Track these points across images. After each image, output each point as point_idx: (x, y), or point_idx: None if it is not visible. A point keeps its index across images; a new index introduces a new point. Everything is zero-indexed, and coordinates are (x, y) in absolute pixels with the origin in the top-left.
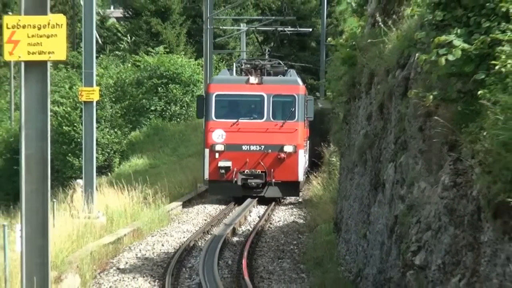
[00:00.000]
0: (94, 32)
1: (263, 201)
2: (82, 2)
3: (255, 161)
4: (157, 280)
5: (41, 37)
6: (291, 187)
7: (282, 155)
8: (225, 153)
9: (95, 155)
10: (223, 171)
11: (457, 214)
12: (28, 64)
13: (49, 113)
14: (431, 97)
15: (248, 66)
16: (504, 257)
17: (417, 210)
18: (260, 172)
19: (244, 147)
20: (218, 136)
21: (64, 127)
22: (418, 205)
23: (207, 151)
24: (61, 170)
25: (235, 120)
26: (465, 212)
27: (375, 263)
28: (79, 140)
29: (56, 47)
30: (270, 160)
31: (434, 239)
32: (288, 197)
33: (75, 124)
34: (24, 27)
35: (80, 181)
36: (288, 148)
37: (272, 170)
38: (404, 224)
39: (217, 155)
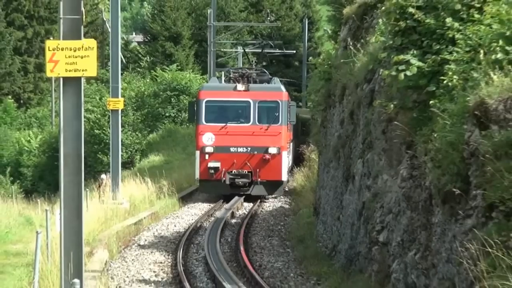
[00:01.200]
0: (119, 53)
1: (249, 199)
2: (109, 29)
3: (242, 162)
4: (170, 254)
5: (76, 58)
6: (276, 186)
7: (267, 156)
8: (214, 155)
9: (120, 153)
10: (212, 171)
11: (413, 200)
12: (66, 79)
13: (82, 119)
14: (392, 105)
15: (236, 74)
16: (451, 235)
17: (380, 198)
18: (246, 172)
19: (232, 149)
20: (208, 139)
21: (95, 131)
22: (382, 193)
23: (197, 152)
24: (93, 165)
25: (223, 124)
26: (420, 199)
27: (347, 240)
28: (107, 141)
29: (88, 66)
30: (256, 161)
31: (394, 221)
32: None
33: (104, 128)
34: (62, 49)
35: (104, 176)
36: (273, 150)
37: (257, 170)
38: (370, 209)
39: (207, 156)
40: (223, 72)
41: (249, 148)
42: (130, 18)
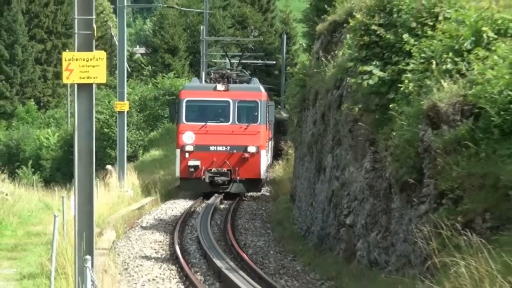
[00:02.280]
0: (125, 63)
1: (228, 196)
2: (117, 43)
3: (221, 160)
4: (168, 234)
5: (88, 67)
6: (254, 183)
7: (246, 155)
8: (194, 153)
9: (125, 148)
10: (192, 169)
11: (375, 189)
12: (80, 86)
13: (94, 120)
14: (357, 108)
15: (216, 75)
16: (407, 219)
17: (347, 187)
18: (226, 170)
19: (211, 148)
20: (188, 138)
21: (104, 129)
22: (348, 183)
23: (178, 151)
24: (102, 159)
25: (203, 123)
26: (381, 187)
27: (319, 223)
28: (114, 138)
29: (98, 74)
30: (235, 159)
31: (359, 206)
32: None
33: (112, 127)
34: (76, 60)
35: (109, 166)
36: (252, 149)
37: (237, 168)
38: (338, 196)
39: (187, 155)
40: (203, 73)
41: (228, 147)
42: (134, 33)
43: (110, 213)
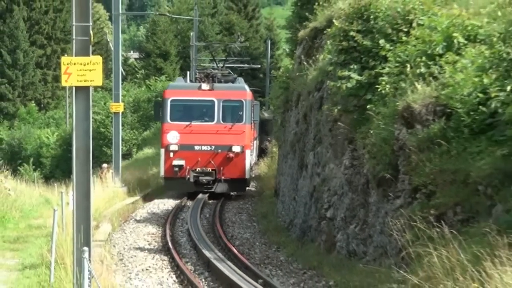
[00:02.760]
0: (120, 67)
1: (213, 196)
2: (112, 48)
3: (206, 160)
4: (160, 227)
5: (86, 71)
6: (239, 183)
7: (231, 154)
8: (179, 153)
9: (120, 147)
10: (177, 169)
11: (353, 184)
12: (77, 88)
13: (91, 120)
14: (336, 109)
15: (201, 74)
16: (383, 212)
17: (328, 182)
18: (210, 170)
19: (196, 147)
20: (172, 137)
21: (100, 129)
22: (329, 179)
23: (162, 150)
24: (99, 156)
25: (188, 123)
26: (359, 183)
27: (301, 216)
28: (110, 137)
29: (95, 77)
30: (220, 159)
31: (339, 201)
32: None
33: (108, 127)
34: (74, 64)
35: (105, 165)
36: (236, 148)
37: (221, 168)
38: (319, 191)
39: (171, 154)
40: (188, 72)
41: (213, 147)
42: (128, 39)
43: (106, 207)
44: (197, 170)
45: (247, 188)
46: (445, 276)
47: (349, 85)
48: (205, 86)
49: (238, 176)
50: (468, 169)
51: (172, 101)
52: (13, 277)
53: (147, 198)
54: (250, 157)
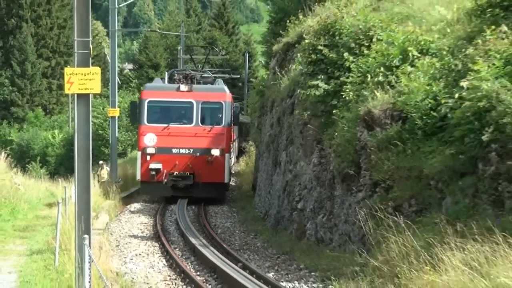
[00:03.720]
0: (116, 77)
1: (192, 201)
2: (109, 60)
3: (184, 163)
4: (152, 217)
5: (86, 80)
6: (218, 188)
7: (210, 158)
8: (156, 156)
9: (116, 147)
10: (153, 172)
11: (321, 179)
12: (79, 95)
13: (90, 123)
14: (306, 114)
15: (180, 76)
16: (347, 204)
17: (298, 178)
18: (188, 174)
19: (174, 150)
20: (149, 140)
21: (99, 131)
22: (299, 175)
23: (139, 153)
24: (97, 155)
25: (166, 125)
26: (326, 178)
27: (275, 207)
28: (107, 138)
29: (94, 86)
30: (198, 162)
31: (308, 194)
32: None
33: (105, 130)
34: (76, 74)
35: (102, 162)
36: (215, 152)
37: (200, 172)
38: (291, 186)
39: (148, 157)
40: (166, 73)
41: (191, 150)
42: (123, 52)
43: (104, 200)
44: (174, 174)
45: (226, 191)
46: (401, 260)
47: (317, 93)
48: (183, 87)
49: (217, 181)
50: (421, 166)
51: (149, 102)
52: (22, 261)
53: (140, 192)
54: (229, 161)
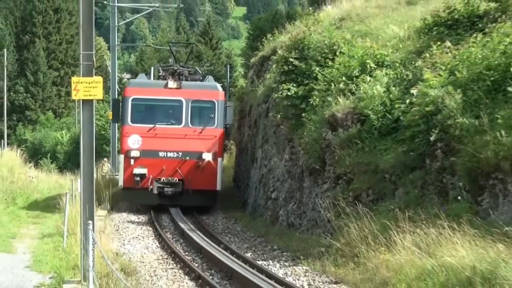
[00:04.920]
0: (116, 85)
1: (182, 208)
2: (110, 71)
3: (172, 168)
4: (148, 205)
5: (90, 88)
6: (209, 196)
7: (201, 163)
8: (140, 160)
9: (116, 145)
10: (138, 178)
11: (292, 173)
12: (84, 101)
13: (94, 125)
14: (278, 116)
15: (165, 72)
16: (314, 194)
17: (272, 172)
18: (177, 180)
19: (160, 154)
20: (133, 142)
21: (101, 132)
22: (273, 169)
23: (121, 157)
24: (100, 152)
25: (152, 125)
26: (296, 172)
27: (253, 197)
28: (108, 138)
29: (97, 93)
30: (188, 167)
31: (281, 185)
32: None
33: (107, 130)
34: (81, 83)
35: (105, 159)
36: (207, 156)
37: (189, 178)
38: (266, 178)
39: (132, 161)
40: (152, 68)
41: (180, 153)
42: (122, 64)
43: (106, 191)
44: (161, 180)
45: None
46: (360, 242)
47: (289, 93)
48: (172, 83)
49: (208, 188)
50: (377, 162)
51: (133, 100)
52: (35, 243)
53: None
54: (222, 166)
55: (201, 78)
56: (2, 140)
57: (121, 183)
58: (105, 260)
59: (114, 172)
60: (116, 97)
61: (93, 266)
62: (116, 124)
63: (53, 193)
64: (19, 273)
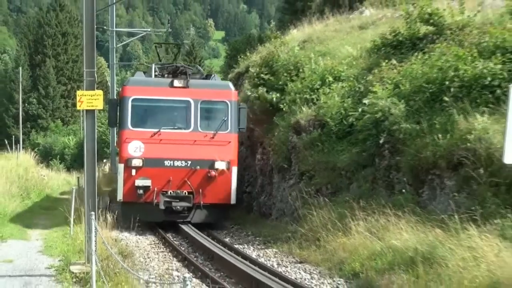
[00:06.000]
0: (115, 97)
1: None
2: (109, 85)
3: (180, 179)
4: None
5: (92, 100)
6: (222, 211)
7: (213, 172)
8: (143, 170)
9: (115, 148)
10: (141, 191)
11: (263, 170)
12: (87, 111)
13: (95, 131)
14: (251, 124)
15: (165, 71)
16: (282, 188)
17: (248, 170)
18: (186, 194)
19: (166, 163)
20: (135, 149)
21: (102, 137)
22: (248, 167)
23: (121, 166)
24: (101, 154)
25: (156, 130)
26: (267, 170)
27: None
28: (108, 142)
29: (98, 104)
30: (198, 178)
31: (254, 181)
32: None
33: (107, 135)
34: (85, 95)
35: (106, 160)
36: (220, 165)
37: (200, 190)
38: (242, 175)
39: (133, 171)
40: (154, 65)
41: (189, 162)
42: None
43: (107, 187)
44: (169, 193)
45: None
46: (321, 228)
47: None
48: (178, 82)
49: (222, 201)
50: (335, 161)
51: (134, 100)
52: (46, 232)
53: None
54: (237, 176)
55: (204, 78)
56: (18, 144)
57: (120, 197)
58: (105, 245)
59: (114, 171)
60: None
61: (95, 250)
62: (115, 130)
63: (62, 189)
64: (33, 256)
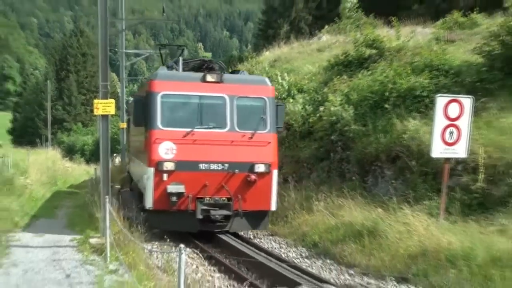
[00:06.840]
0: (124, 105)
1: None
2: (120, 96)
3: (217, 184)
4: None
5: (106, 107)
6: (262, 218)
7: (253, 176)
8: (176, 174)
9: (124, 146)
10: (174, 198)
11: None
12: (102, 116)
13: (109, 132)
14: None
15: (186, 67)
16: None
17: None
18: (225, 201)
19: (201, 166)
20: (166, 151)
21: (114, 136)
22: None
23: (150, 170)
24: (113, 150)
25: (189, 130)
26: None
27: None
28: (119, 140)
29: (111, 110)
30: (236, 183)
31: None
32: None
33: (118, 135)
34: (100, 103)
35: (115, 154)
36: (260, 168)
37: (239, 196)
38: None
39: (165, 176)
40: (181, 59)
41: (226, 165)
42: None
43: (118, 176)
44: (206, 200)
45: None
46: (289, 207)
47: None
48: (210, 77)
49: (262, 208)
50: (299, 155)
51: (163, 97)
52: (69, 211)
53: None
54: (278, 181)
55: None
56: (47, 142)
57: (150, 204)
58: (116, 221)
59: (123, 163)
60: (124, 112)
61: (109, 227)
62: (125, 131)
63: (82, 177)
64: (59, 231)
